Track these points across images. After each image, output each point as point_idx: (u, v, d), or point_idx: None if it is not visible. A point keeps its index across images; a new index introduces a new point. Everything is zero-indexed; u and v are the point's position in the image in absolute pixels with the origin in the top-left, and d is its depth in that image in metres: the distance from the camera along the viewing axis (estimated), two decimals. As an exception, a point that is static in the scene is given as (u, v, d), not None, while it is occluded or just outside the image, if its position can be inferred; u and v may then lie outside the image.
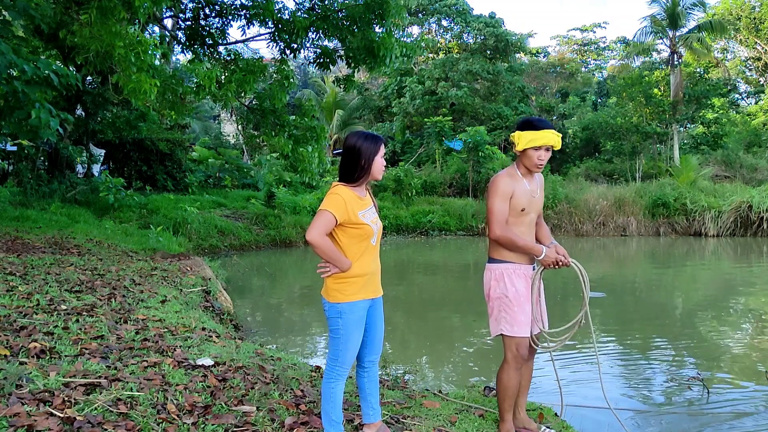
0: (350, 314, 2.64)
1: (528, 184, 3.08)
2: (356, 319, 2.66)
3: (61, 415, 2.53)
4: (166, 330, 4.42)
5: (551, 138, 2.96)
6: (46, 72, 6.17)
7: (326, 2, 10.83)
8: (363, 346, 2.79)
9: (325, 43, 11.08)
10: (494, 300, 3.08)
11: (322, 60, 11.06)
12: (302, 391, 3.48)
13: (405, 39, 11.54)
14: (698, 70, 29.08)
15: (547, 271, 3.15)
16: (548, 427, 3.34)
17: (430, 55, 31.49)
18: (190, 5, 11.38)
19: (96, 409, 2.68)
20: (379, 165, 2.68)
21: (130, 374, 3.23)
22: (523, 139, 2.98)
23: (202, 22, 11.40)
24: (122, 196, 14.02)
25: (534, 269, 3.13)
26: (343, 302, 2.64)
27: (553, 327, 3.16)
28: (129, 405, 2.79)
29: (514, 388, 3.05)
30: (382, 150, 2.70)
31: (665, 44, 27.15)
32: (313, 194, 18.53)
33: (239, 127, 22.46)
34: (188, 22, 11.49)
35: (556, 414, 3.70)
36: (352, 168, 2.65)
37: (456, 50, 30.98)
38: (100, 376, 3.08)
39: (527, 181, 3.09)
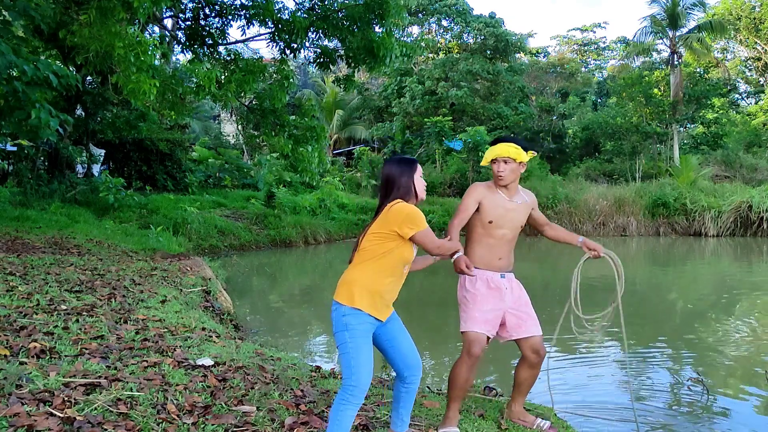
0: (355, 322, 2.56)
1: (507, 199, 3.18)
2: (362, 331, 2.57)
3: (61, 415, 2.53)
4: (166, 330, 4.42)
5: (500, 150, 3.13)
6: (46, 73, 6.17)
7: (326, 2, 10.83)
8: (395, 360, 2.75)
9: (325, 43, 11.08)
10: (459, 300, 3.26)
11: (322, 60, 11.06)
12: (302, 391, 3.48)
13: (405, 39, 11.56)
14: (698, 70, 29.09)
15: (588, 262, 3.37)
16: (544, 419, 3.37)
17: (430, 55, 31.47)
18: (190, 5, 11.37)
19: (96, 409, 2.68)
20: (420, 185, 2.75)
21: (130, 374, 3.22)
22: (485, 156, 3.22)
23: (202, 22, 11.39)
24: (122, 196, 14.01)
25: (502, 277, 3.22)
26: (349, 306, 2.57)
27: (585, 314, 3.45)
28: (129, 405, 2.79)
29: (464, 383, 3.12)
30: (419, 170, 2.77)
31: (665, 44, 27.16)
32: (313, 194, 18.51)
33: (239, 127, 22.45)
34: (188, 22, 11.48)
35: (555, 414, 3.70)
36: (392, 193, 2.70)
37: (456, 50, 30.97)
38: (100, 376, 3.08)
39: (505, 195, 3.19)
